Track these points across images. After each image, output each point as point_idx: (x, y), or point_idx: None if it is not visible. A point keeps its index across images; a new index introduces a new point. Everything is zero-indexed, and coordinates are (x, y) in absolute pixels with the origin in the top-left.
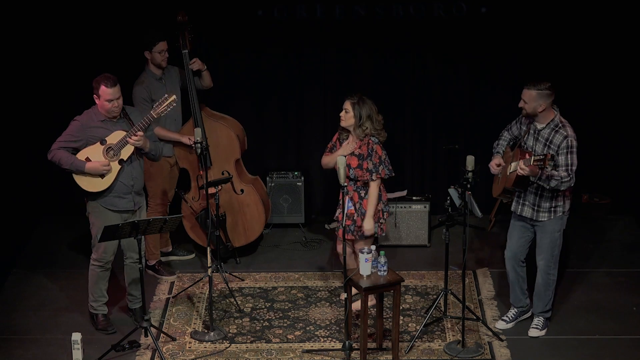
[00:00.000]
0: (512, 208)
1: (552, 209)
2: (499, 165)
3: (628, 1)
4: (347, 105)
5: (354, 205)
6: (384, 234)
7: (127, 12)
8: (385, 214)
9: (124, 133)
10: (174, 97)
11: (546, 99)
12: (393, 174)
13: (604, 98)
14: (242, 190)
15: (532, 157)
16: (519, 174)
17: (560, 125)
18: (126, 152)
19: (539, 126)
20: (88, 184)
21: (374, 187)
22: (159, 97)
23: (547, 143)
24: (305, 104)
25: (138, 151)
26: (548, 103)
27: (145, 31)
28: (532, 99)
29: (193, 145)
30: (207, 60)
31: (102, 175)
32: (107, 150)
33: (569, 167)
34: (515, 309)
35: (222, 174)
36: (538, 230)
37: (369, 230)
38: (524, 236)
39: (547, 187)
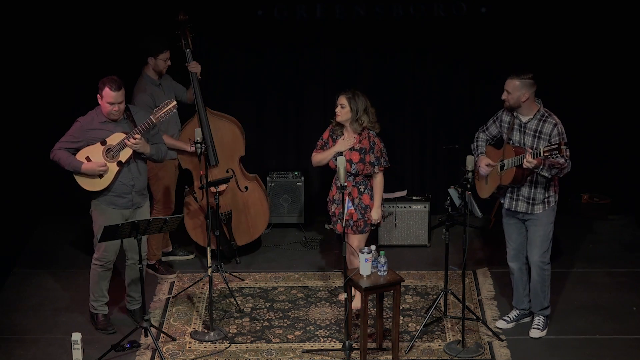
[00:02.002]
0: (506, 205)
1: (546, 199)
2: (488, 165)
3: (628, 1)
4: (343, 100)
5: (353, 200)
6: (381, 227)
7: (128, 13)
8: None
9: (124, 135)
10: (174, 103)
11: (529, 88)
12: (389, 165)
13: (605, 98)
14: (246, 188)
15: (542, 148)
16: (525, 166)
17: (546, 115)
18: (125, 154)
19: (524, 119)
20: (87, 183)
21: (380, 178)
22: (160, 103)
23: (537, 134)
24: (305, 103)
25: (137, 154)
26: (531, 93)
27: (151, 38)
28: (515, 88)
29: (193, 145)
30: (207, 60)
31: (100, 175)
32: (107, 151)
33: (565, 153)
34: (517, 311)
35: (227, 172)
36: (531, 224)
37: (377, 219)
38: (521, 232)
39: (548, 176)
